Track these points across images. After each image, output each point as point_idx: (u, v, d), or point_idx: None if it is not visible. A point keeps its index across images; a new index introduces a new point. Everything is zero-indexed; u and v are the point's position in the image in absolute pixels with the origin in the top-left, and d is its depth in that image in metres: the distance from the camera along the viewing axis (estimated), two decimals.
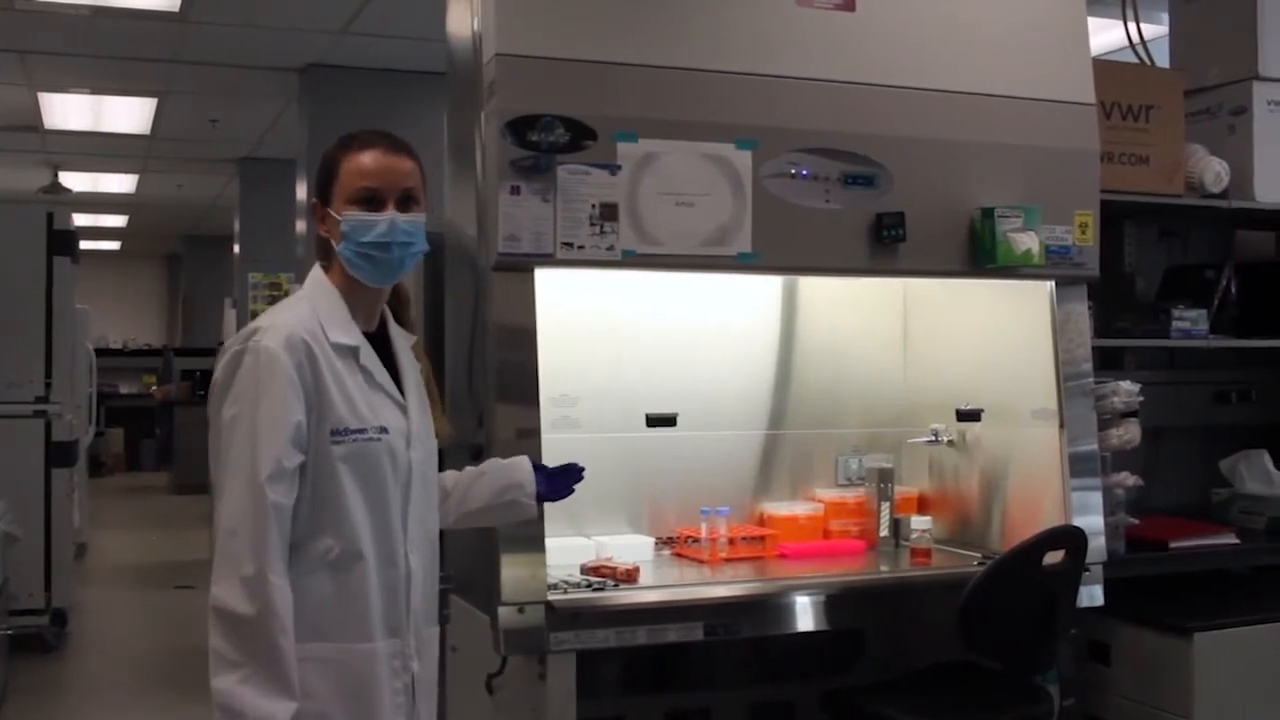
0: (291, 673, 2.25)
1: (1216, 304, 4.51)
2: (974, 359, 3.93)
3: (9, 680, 6.59)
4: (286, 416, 2.31)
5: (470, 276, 3.31)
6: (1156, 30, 5.02)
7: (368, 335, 2.49)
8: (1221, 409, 4.73)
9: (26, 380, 7.36)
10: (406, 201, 2.46)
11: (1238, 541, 4.16)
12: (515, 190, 3.10)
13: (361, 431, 2.39)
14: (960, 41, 3.55)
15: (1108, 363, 4.51)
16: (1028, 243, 3.46)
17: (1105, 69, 3.98)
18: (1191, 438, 4.72)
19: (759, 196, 3.30)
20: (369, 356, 2.46)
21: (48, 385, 7.42)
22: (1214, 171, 4.25)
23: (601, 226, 3.16)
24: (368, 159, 2.44)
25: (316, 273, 2.53)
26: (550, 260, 3.14)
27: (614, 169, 3.17)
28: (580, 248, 3.15)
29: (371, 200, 2.43)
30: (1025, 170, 3.58)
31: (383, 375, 2.48)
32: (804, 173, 3.34)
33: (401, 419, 2.47)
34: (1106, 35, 5.33)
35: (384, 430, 2.42)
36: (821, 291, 4.01)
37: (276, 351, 2.32)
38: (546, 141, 3.11)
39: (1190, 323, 4.29)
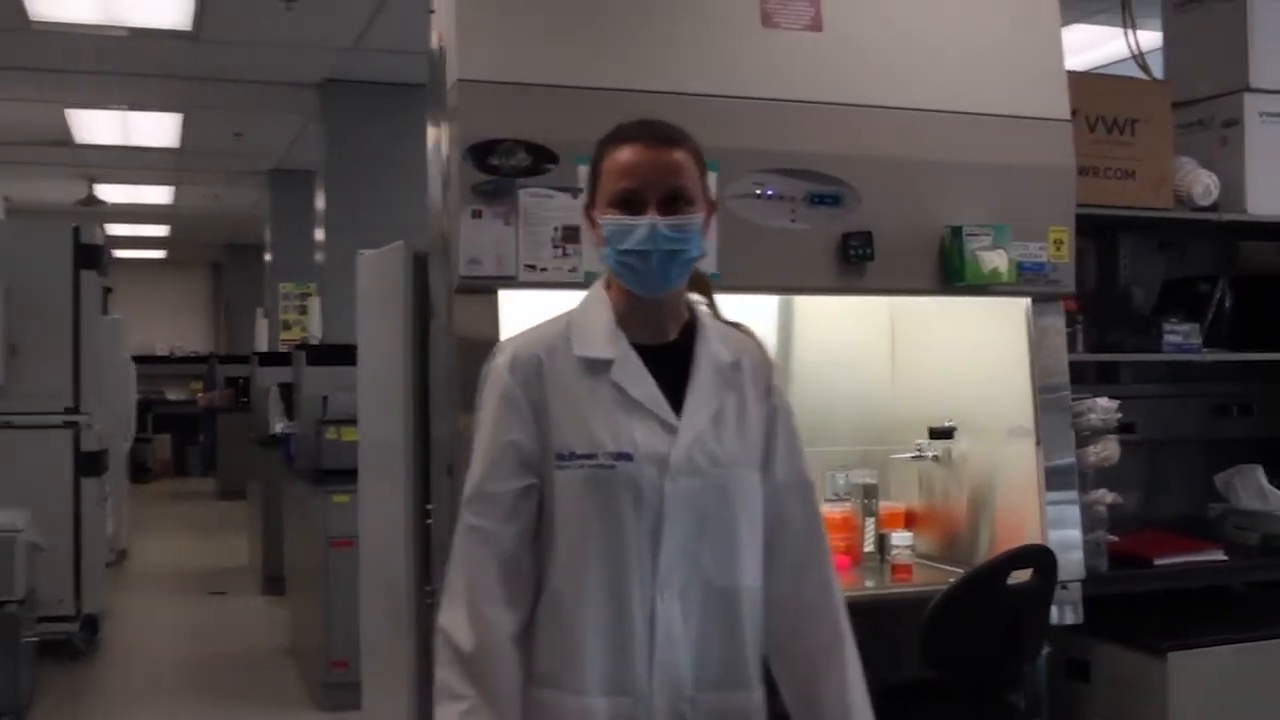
0: (511, 712, 2.12)
1: (1211, 317, 4.48)
2: (958, 375, 3.93)
3: (39, 685, 6.72)
4: (499, 438, 2.19)
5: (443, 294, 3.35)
6: (1158, 40, 4.99)
7: (659, 346, 2.25)
8: (1221, 422, 4.70)
9: (55, 391, 7.49)
10: (674, 201, 2.19)
11: (1225, 558, 4.11)
12: (477, 214, 3.13)
13: (590, 457, 2.15)
14: (930, 60, 3.55)
15: (1105, 376, 4.50)
16: (995, 261, 3.45)
17: (1087, 83, 3.98)
18: (1192, 451, 4.70)
19: (724, 217, 3.28)
20: (627, 371, 2.20)
21: (76, 396, 7.56)
22: (1203, 184, 4.22)
23: (564, 249, 3.19)
24: (627, 155, 2.21)
25: (598, 282, 2.33)
26: (513, 282, 3.16)
27: (576, 192, 3.18)
28: (543, 270, 3.18)
29: (632, 202, 2.19)
30: (997, 187, 3.56)
31: (645, 392, 2.19)
32: (769, 193, 3.35)
33: (663, 442, 2.17)
34: (1110, 46, 5.32)
35: (625, 456, 2.14)
36: (809, 308, 4.02)
37: (502, 372, 2.23)
38: (508, 165, 3.13)
39: (1183, 336, 4.26)
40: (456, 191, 3.13)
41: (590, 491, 2.14)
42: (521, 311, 3.14)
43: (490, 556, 2.16)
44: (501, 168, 3.13)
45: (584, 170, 3.13)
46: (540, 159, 3.16)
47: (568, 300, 3.44)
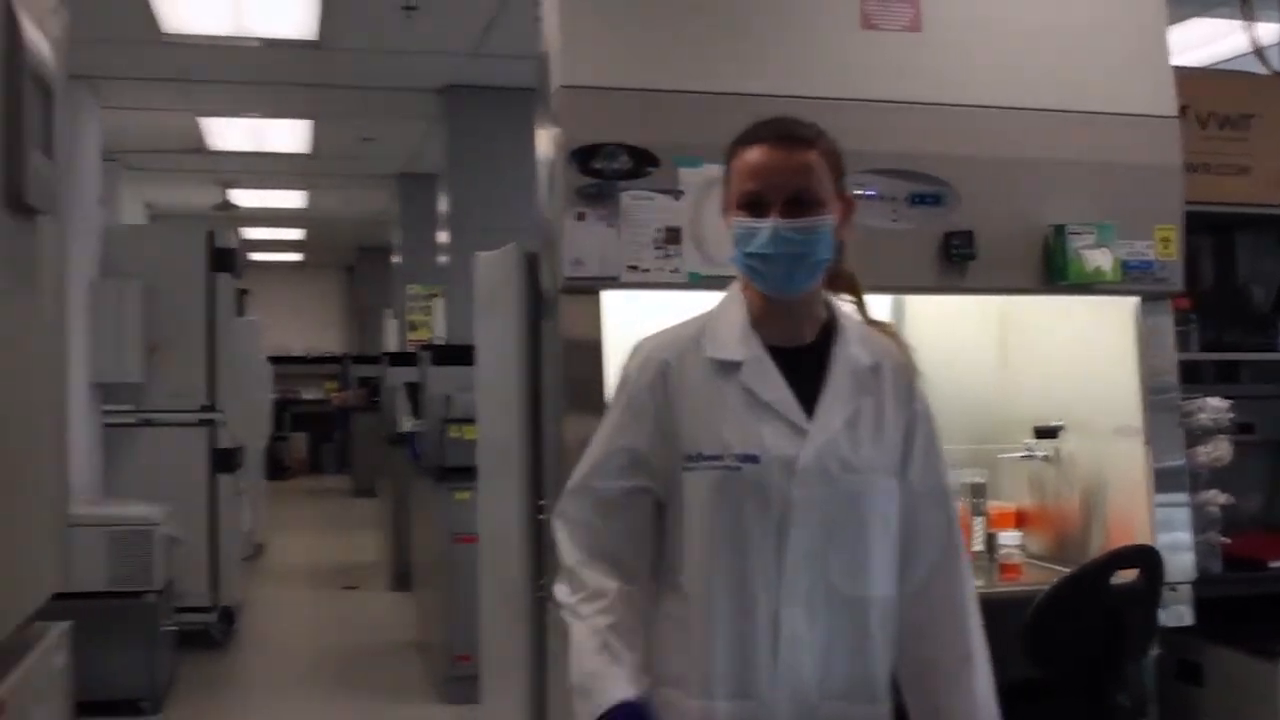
0: (621, 654, 2.12)
1: None
2: (1067, 374, 3.90)
3: (177, 673, 6.97)
4: (614, 440, 2.23)
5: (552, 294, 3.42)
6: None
7: (795, 349, 2.22)
8: None
9: (191, 390, 7.76)
10: (800, 203, 2.16)
11: None
12: (580, 216, 3.20)
13: (717, 458, 2.13)
14: (1031, 57, 3.54)
15: (1223, 376, 4.42)
16: (1098, 260, 3.43)
17: (1199, 78, 3.93)
18: None
19: None
20: (757, 373, 2.18)
21: (212, 395, 7.82)
22: None
23: (666, 250, 3.25)
24: (753, 157, 2.19)
25: (735, 282, 2.30)
26: (615, 283, 3.23)
27: (677, 194, 3.24)
28: (645, 270, 3.24)
29: (756, 204, 2.17)
30: (1100, 185, 3.54)
31: (775, 394, 2.16)
32: (870, 193, 3.37)
33: (792, 445, 2.13)
34: (1230, 40, 5.23)
35: (751, 458, 2.12)
36: (920, 307, 4.03)
37: (632, 374, 2.25)
38: (610, 169, 3.20)
39: None
40: (561, 194, 3.21)
41: (716, 493, 2.13)
42: (624, 311, 3.23)
43: (582, 543, 2.22)
44: (604, 171, 3.19)
45: (684, 172, 3.24)
46: (641, 162, 3.22)
47: (672, 301, 3.56)
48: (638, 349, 2.28)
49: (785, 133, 2.20)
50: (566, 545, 2.24)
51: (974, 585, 2.32)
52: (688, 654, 2.14)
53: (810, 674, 2.11)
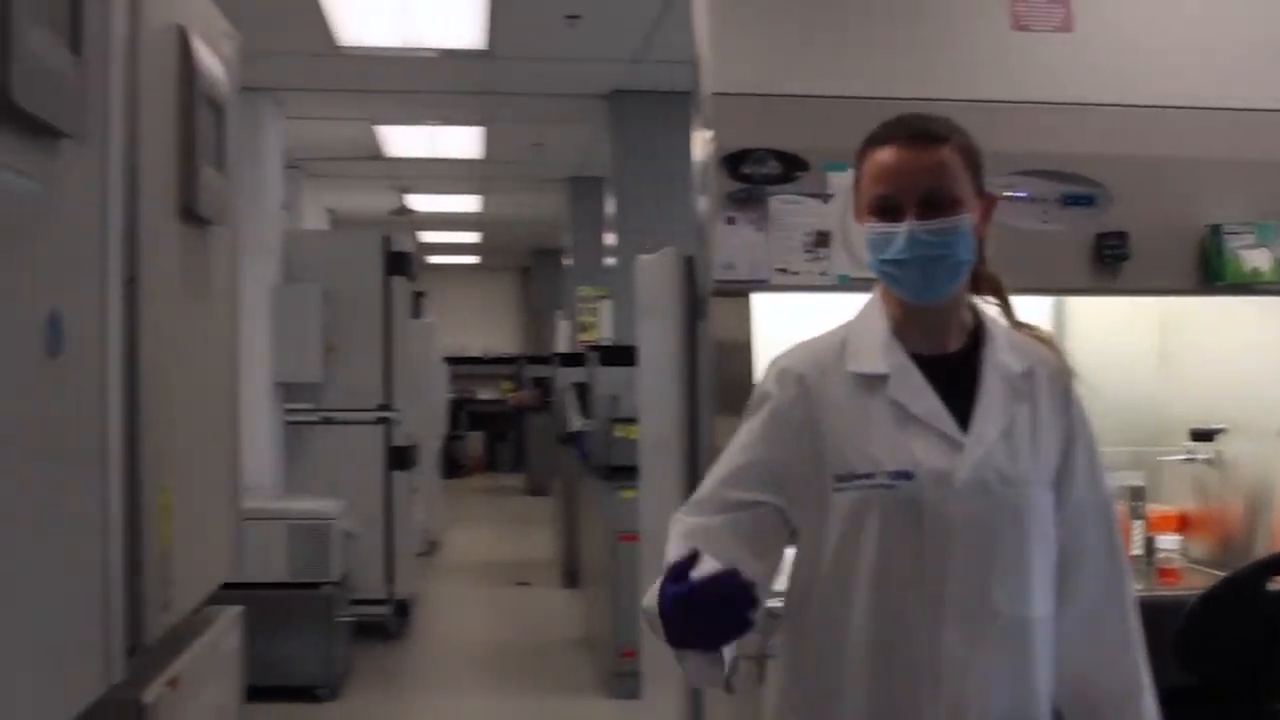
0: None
1: None
2: (1230, 376, 3.83)
3: (353, 663, 7.22)
4: (747, 452, 2.10)
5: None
6: None
7: (941, 357, 2.10)
8: None
9: (368, 390, 8.00)
10: (934, 204, 2.04)
11: None
12: (731, 220, 3.27)
13: (869, 476, 2.00)
14: (1184, 55, 3.51)
15: None
16: (1257, 260, 3.38)
17: None
18: None
19: None
20: (905, 385, 2.06)
21: (388, 394, 8.06)
22: None
23: (815, 253, 3.29)
24: (883, 158, 2.06)
25: (877, 288, 2.17)
26: (765, 286, 3.29)
27: (826, 197, 3.29)
28: (795, 273, 3.29)
29: (888, 209, 2.05)
30: (1259, 184, 3.48)
31: (926, 406, 2.04)
32: (1021, 195, 3.38)
33: (946, 459, 2.01)
34: None
35: (905, 475, 2.00)
36: (1081, 307, 4.00)
37: (770, 389, 2.12)
38: (760, 174, 3.27)
39: None
40: (712, 198, 3.28)
41: (870, 512, 2.01)
42: (775, 314, 3.28)
43: (694, 541, 2.00)
44: (753, 176, 3.26)
45: (832, 177, 3.29)
46: (790, 167, 3.28)
47: (821, 303, 3.60)
48: (774, 364, 2.17)
49: (916, 131, 2.08)
50: (674, 546, 2.06)
51: (1138, 609, 2.18)
52: (837, 681, 2.02)
53: (973, 701, 1.98)
